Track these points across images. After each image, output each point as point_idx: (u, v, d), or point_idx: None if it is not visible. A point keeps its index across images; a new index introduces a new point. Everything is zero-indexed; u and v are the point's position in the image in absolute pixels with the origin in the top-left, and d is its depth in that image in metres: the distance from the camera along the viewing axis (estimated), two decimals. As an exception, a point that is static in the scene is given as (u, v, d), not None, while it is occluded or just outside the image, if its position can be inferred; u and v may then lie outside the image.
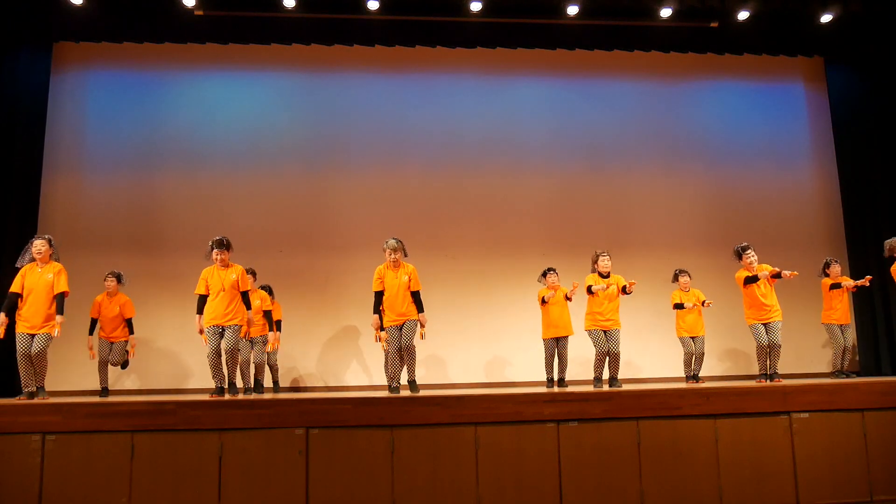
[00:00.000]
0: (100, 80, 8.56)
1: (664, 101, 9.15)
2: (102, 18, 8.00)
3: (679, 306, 7.31)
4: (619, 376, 6.55)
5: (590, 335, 6.55)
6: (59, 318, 5.82)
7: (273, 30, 8.26)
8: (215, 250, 5.80)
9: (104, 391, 7.00)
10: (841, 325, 7.40)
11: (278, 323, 7.55)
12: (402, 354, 5.94)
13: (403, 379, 6.18)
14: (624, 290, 6.53)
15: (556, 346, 7.12)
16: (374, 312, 6.03)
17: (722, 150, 9.11)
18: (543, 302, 7.13)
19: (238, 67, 8.72)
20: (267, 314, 7.03)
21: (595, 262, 6.62)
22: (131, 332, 7.05)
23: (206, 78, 8.73)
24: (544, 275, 7.23)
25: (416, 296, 5.92)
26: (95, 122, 8.45)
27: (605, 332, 6.47)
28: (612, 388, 5.97)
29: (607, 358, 6.51)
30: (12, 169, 7.88)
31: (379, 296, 5.99)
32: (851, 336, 7.51)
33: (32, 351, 5.78)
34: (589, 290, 6.50)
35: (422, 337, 5.93)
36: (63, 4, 7.77)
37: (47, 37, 8.21)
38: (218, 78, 8.74)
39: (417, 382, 6.01)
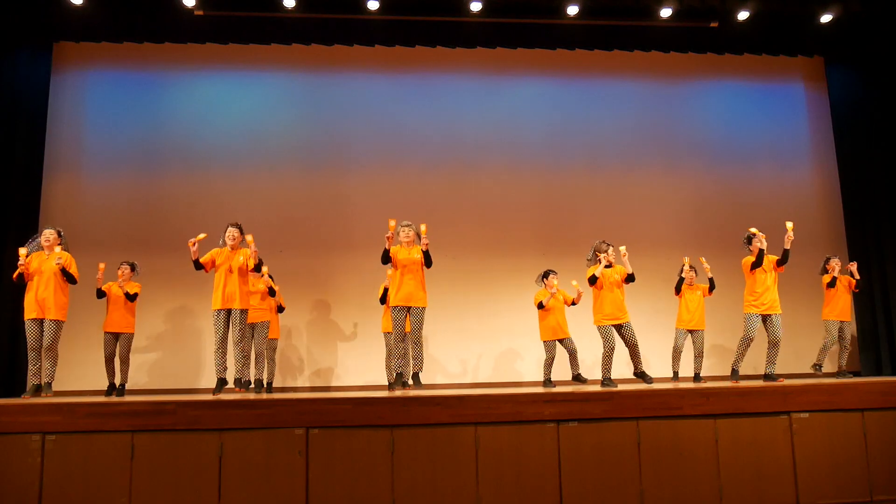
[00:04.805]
0: (100, 80, 8.57)
1: (664, 101, 9.15)
2: (102, 18, 8.01)
3: (681, 281, 7.31)
4: (619, 376, 6.52)
5: (600, 331, 6.33)
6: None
7: (273, 30, 8.26)
8: (229, 228, 5.97)
9: (111, 387, 7.00)
10: (841, 322, 7.39)
11: (280, 309, 7.61)
12: (406, 343, 5.95)
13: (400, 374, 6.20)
14: (629, 280, 6.37)
15: (556, 347, 7.10)
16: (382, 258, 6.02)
17: (722, 150, 9.11)
18: (541, 306, 7.05)
19: (238, 67, 8.72)
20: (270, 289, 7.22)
21: (605, 251, 6.36)
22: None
23: (206, 78, 8.73)
24: (545, 276, 7.14)
25: (426, 253, 5.98)
26: (95, 122, 8.45)
27: (616, 326, 6.31)
28: (646, 385, 5.95)
29: (613, 352, 6.36)
30: (13, 168, 7.89)
31: (387, 255, 5.98)
32: (849, 333, 7.50)
33: (45, 341, 5.89)
34: (592, 280, 6.27)
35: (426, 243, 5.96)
36: (63, 4, 7.77)
37: (47, 37, 8.21)
38: (218, 78, 8.74)
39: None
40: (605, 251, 6.36)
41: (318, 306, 8.39)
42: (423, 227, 6.05)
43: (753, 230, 6.41)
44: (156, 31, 8.20)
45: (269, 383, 7.60)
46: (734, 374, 6.54)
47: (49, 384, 6.02)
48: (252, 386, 7.19)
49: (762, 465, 5.06)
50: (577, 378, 7.09)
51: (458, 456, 4.87)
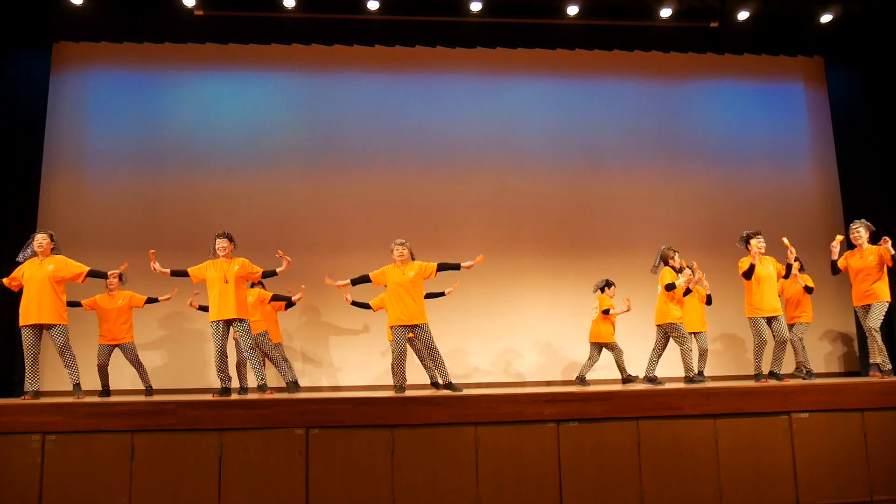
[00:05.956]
0: (100, 80, 8.57)
1: (664, 101, 9.15)
2: (102, 18, 8.01)
3: (670, 286, 7.20)
4: (619, 376, 6.57)
5: (665, 330, 6.68)
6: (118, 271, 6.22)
7: (273, 30, 8.26)
8: (218, 240, 5.91)
9: (104, 392, 6.98)
10: (796, 324, 7.32)
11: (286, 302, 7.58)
12: (405, 361, 6.01)
13: (409, 380, 6.23)
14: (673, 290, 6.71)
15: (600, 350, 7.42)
16: (352, 281, 6.16)
17: (722, 150, 9.11)
18: (607, 312, 7.33)
19: (238, 67, 8.72)
20: (277, 297, 7.26)
21: (671, 258, 6.75)
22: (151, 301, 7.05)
23: (206, 78, 8.73)
24: (608, 286, 7.44)
25: (441, 266, 6.10)
26: (95, 122, 8.45)
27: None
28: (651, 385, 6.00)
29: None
30: (12, 169, 7.89)
31: (366, 278, 6.10)
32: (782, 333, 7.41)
33: (57, 345, 5.86)
34: (670, 287, 6.60)
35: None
36: (63, 4, 7.77)
37: (47, 37, 8.21)
38: (218, 78, 8.74)
39: (414, 382, 6.07)
40: (673, 257, 6.73)
41: (318, 307, 8.38)
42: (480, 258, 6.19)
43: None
44: (156, 31, 8.20)
45: (295, 381, 7.54)
46: (758, 377, 6.33)
47: (77, 385, 6.01)
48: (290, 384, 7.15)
49: (762, 465, 5.06)
50: (582, 381, 7.36)
51: (458, 456, 4.87)
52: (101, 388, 6.99)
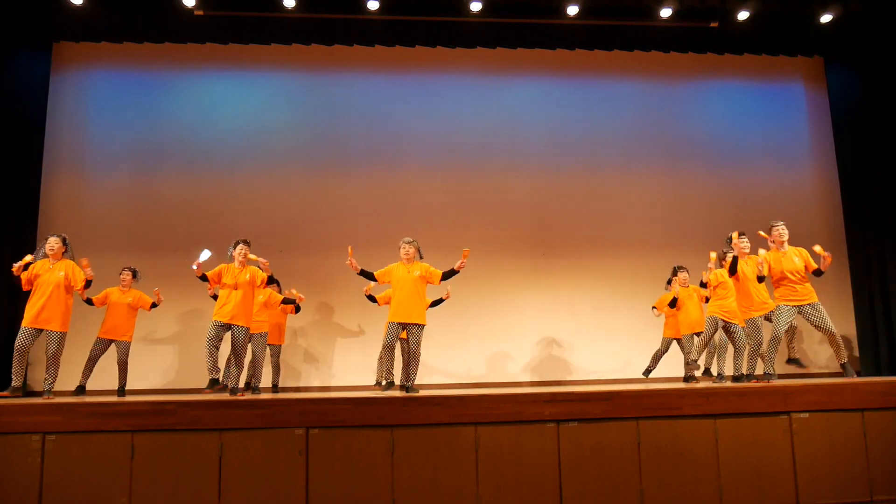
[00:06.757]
0: (100, 80, 8.57)
1: (664, 101, 9.15)
2: (102, 18, 8.02)
3: (673, 302, 7.29)
4: (619, 376, 6.56)
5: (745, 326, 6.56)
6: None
7: (273, 30, 8.27)
8: (241, 245, 5.91)
9: (81, 389, 6.85)
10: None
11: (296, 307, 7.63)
12: (394, 352, 6.02)
13: (397, 380, 6.22)
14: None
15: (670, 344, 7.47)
16: (361, 270, 6.11)
17: (722, 150, 9.11)
18: (672, 305, 7.29)
19: (238, 67, 8.72)
20: (287, 301, 7.28)
21: (723, 259, 6.54)
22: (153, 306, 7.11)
23: (206, 78, 8.73)
24: (675, 273, 7.38)
25: (445, 275, 6.11)
26: (95, 122, 8.45)
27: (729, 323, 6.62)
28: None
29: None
30: (12, 169, 7.90)
31: (371, 276, 6.10)
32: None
33: (48, 352, 5.87)
34: (703, 285, 6.70)
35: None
36: (63, 4, 7.78)
37: (47, 37, 8.22)
38: (218, 78, 8.74)
39: (416, 382, 6.05)
40: (725, 257, 6.47)
41: (318, 307, 8.39)
42: (466, 251, 6.10)
43: (735, 237, 6.32)
44: (156, 31, 8.21)
45: (275, 385, 7.58)
46: (749, 378, 6.30)
47: (49, 391, 6.03)
48: (248, 389, 7.16)
49: (762, 465, 5.06)
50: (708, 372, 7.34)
51: (458, 456, 4.87)
52: (77, 385, 6.87)
